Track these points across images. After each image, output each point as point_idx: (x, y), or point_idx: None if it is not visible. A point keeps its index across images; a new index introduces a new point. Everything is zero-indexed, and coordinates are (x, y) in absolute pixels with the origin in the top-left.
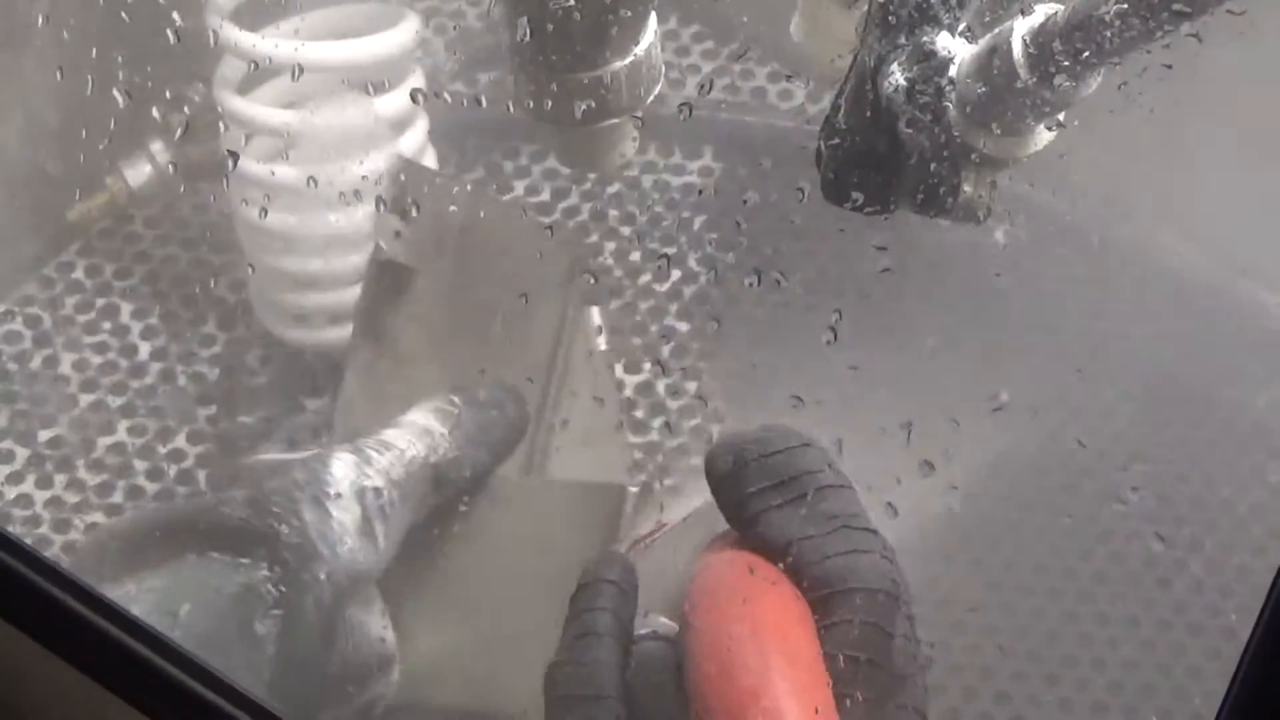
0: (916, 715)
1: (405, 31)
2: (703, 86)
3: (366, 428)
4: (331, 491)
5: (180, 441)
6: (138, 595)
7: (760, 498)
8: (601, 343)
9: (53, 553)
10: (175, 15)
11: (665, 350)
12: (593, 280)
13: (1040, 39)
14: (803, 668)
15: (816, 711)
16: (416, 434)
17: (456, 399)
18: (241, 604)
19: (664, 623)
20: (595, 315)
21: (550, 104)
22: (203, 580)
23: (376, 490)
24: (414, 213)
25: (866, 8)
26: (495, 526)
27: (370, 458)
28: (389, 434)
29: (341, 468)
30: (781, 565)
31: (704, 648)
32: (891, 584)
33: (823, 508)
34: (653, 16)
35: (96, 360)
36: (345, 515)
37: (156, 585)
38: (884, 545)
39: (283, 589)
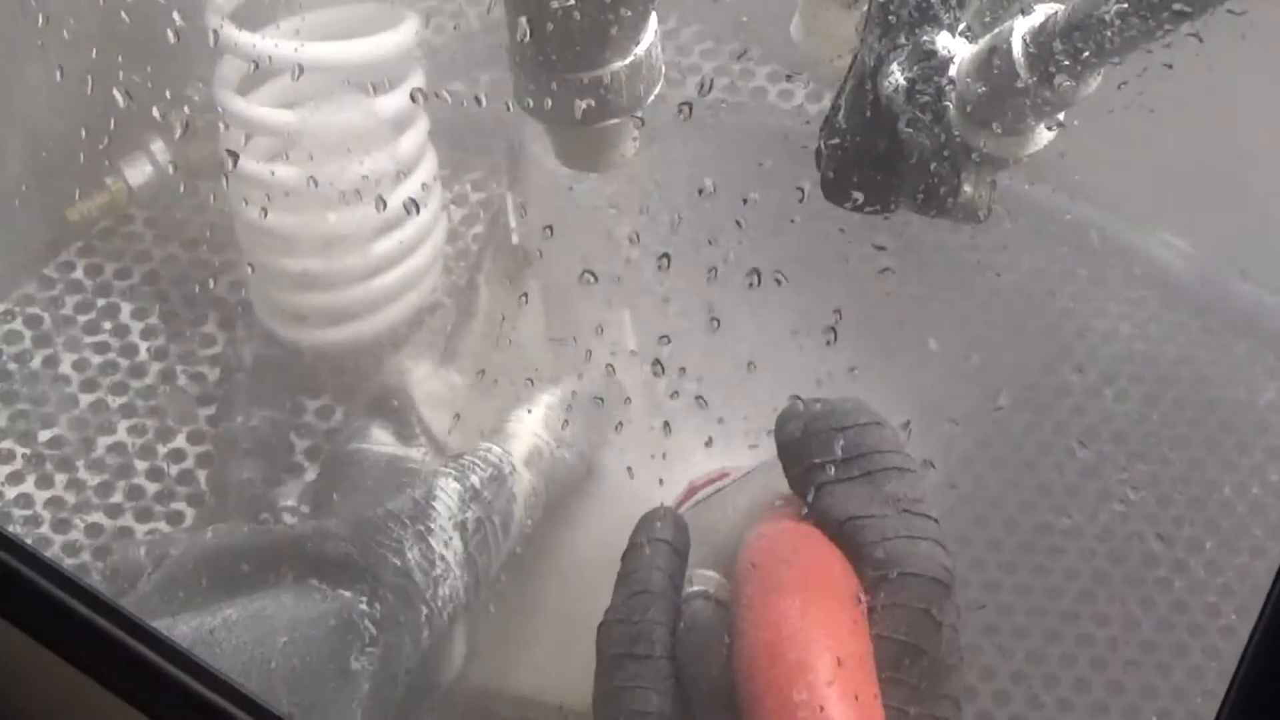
0: (955, 706)
1: (405, 31)
2: (703, 86)
3: (471, 418)
4: (435, 526)
5: (180, 441)
6: (238, 621)
7: (824, 470)
8: (633, 343)
9: (53, 553)
10: (175, 15)
11: (665, 350)
12: (593, 280)
13: (1040, 38)
14: (849, 647)
15: (858, 697)
16: (524, 449)
17: (562, 393)
18: (338, 639)
19: (717, 580)
20: (628, 317)
21: (550, 104)
22: (301, 610)
23: (479, 522)
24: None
25: (866, 8)
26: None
27: (475, 488)
28: (496, 453)
29: (446, 500)
30: (838, 541)
31: (754, 617)
32: (945, 572)
33: (887, 489)
34: (653, 16)
35: (96, 360)
36: (449, 552)
37: (255, 612)
38: (941, 533)
39: (381, 628)
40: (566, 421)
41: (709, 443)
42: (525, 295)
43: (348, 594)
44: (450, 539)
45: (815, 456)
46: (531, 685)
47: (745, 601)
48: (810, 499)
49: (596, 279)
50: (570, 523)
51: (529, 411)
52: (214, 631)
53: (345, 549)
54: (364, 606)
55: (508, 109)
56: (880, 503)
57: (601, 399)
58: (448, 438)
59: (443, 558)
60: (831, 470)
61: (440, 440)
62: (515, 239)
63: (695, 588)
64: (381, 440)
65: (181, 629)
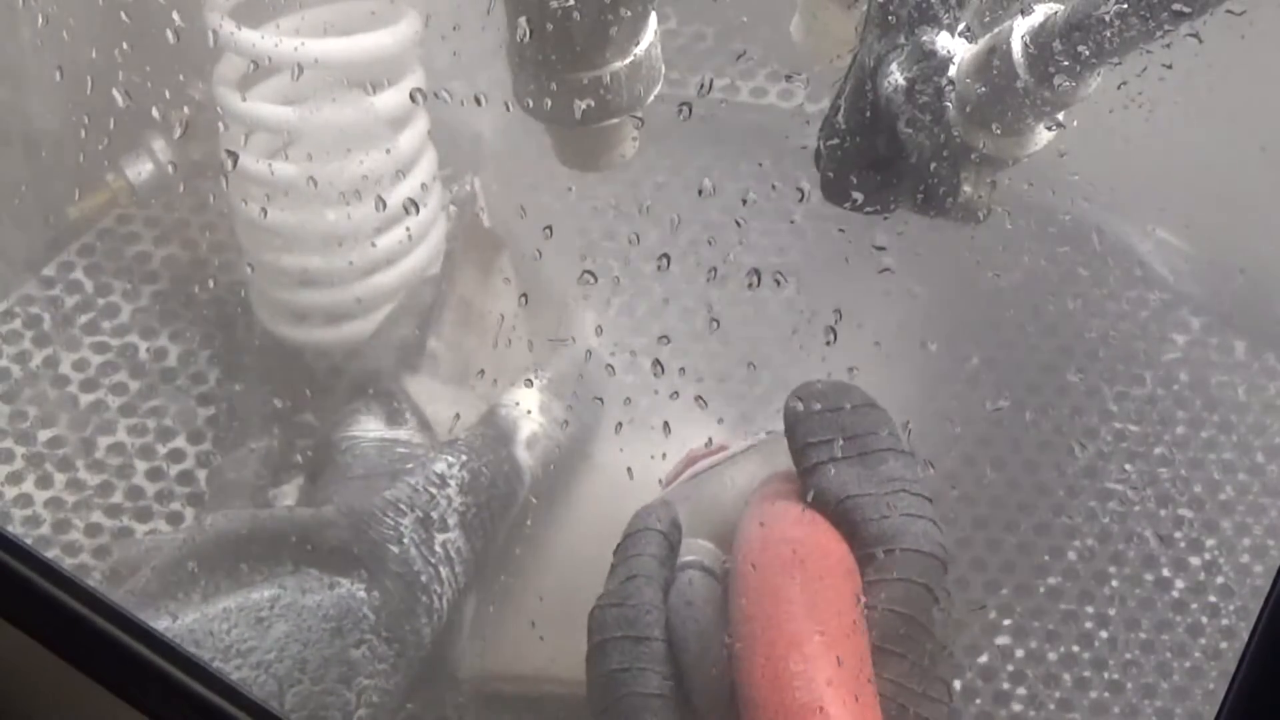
0: (946, 689)
1: (405, 29)
2: (703, 86)
3: (459, 401)
4: (435, 514)
5: (180, 441)
6: (237, 612)
7: (821, 449)
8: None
9: (53, 553)
10: (175, 15)
11: (664, 351)
12: (593, 280)
13: (1040, 39)
14: (846, 624)
15: (840, 662)
16: (521, 434)
17: (549, 376)
18: (338, 627)
19: (711, 550)
20: (590, 319)
21: (550, 104)
22: (299, 599)
23: (479, 507)
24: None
25: (866, 8)
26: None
27: (474, 473)
28: (491, 437)
29: (444, 486)
30: (836, 518)
31: (752, 592)
32: (942, 550)
33: (882, 469)
34: (653, 16)
35: (96, 360)
36: (449, 538)
37: (254, 603)
38: (935, 513)
39: (382, 616)
40: (569, 407)
41: (709, 444)
42: (508, 279)
43: (346, 582)
44: (450, 525)
45: (812, 435)
46: (538, 665)
47: (744, 576)
48: (808, 476)
49: (595, 279)
50: (571, 511)
51: (523, 395)
52: (214, 623)
53: (343, 537)
54: (363, 594)
55: (507, 109)
56: (877, 482)
57: (600, 399)
58: (438, 420)
59: (444, 544)
60: (828, 449)
61: (429, 421)
62: (486, 223)
63: (689, 557)
64: (369, 425)
65: (183, 621)
